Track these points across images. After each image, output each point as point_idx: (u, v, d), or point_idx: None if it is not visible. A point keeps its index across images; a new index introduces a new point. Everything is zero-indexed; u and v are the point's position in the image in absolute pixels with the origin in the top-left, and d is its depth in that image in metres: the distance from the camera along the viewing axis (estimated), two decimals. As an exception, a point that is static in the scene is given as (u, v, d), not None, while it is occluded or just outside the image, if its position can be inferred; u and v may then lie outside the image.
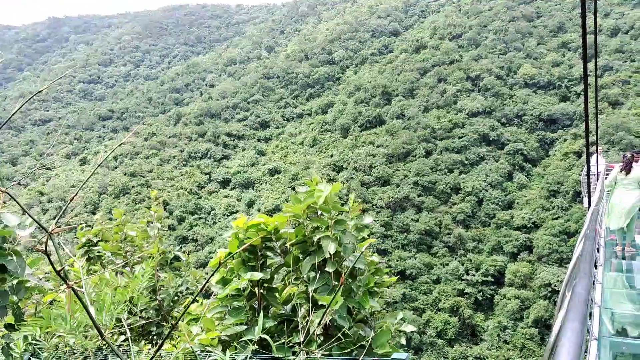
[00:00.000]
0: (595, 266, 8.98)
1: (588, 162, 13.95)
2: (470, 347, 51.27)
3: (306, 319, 3.74)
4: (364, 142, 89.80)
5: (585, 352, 5.66)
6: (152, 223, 5.72)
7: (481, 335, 53.54)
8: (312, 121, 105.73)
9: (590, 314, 6.46)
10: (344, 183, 76.86)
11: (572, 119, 79.45)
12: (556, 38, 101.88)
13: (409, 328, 4.15)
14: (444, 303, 56.07)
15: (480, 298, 57.65)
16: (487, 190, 71.80)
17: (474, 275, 59.57)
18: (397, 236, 67.24)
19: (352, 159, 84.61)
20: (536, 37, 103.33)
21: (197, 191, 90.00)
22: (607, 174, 14.96)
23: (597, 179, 18.36)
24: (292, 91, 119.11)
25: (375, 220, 68.58)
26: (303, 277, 3.87)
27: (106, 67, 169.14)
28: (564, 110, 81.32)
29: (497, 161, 77.09)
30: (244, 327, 3.69)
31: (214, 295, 4.01)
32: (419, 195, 73.27)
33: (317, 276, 3.79)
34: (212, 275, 1.78)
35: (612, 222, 11.30)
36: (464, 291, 58.25)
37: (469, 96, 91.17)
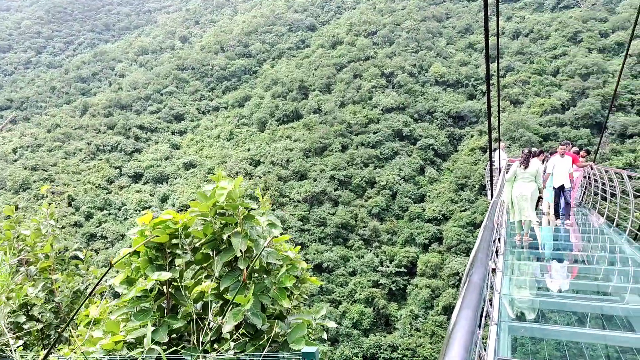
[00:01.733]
0: (497, 255, 9.45)
1: (491, 157, 14.71)
2: (384, 336, 52.82)
3: (218, 318, 3.56)
4: (281, 136, 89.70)
5: (485, 338, 5.86)
6: (46, 220, 5.24)
7: (394, 324, 55.32)
8: (229, 114, 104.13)
9: (491, 301, 6.75)
10: (260, 177, 76.49)
11: (478, 116, 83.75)
12: (464, 39, 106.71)
13: (331, 324, 4.11)
14: (360, 294, 57.34)
15: (394, 288, 59.51)
16: (400, 184, 74.05)
17: (388, 267, 61.34)
18: (314, 230, 67.85)
19: (269, 153, 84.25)
20: (446, 37, 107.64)
21: (107, 186, 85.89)
22: (508, 168, 15.84)
23: (500, 173, 19.25)
24: (208, 83, 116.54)
25: (292, 215, 68.78)
26: (215, 274, 3.69)
27: (4, 53, 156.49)
28: (471, 108, 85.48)
29: (410, 156, 79.64)
30: (152, 328, 3.44)
31: (105, 298, 3.73)
32: (335, 189, 74.30)
33: (229, 274, 3.63)
34: (105, 274, 1.58)
35: (515, 215, 11.94)
36: (379, 282, 59.87)
37: (383, 92, 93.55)
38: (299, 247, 4.47)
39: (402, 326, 53.76)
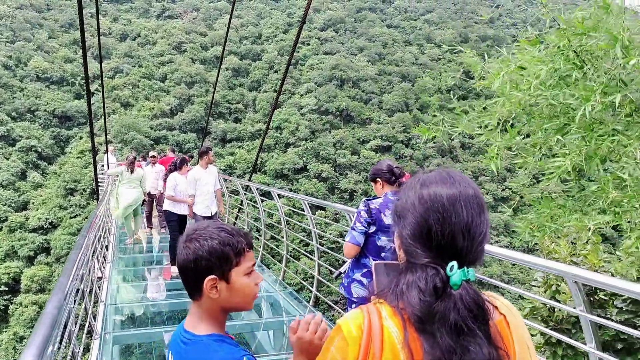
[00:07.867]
0: (105, 263, 9.27)
1: (95, 161, 14.63)
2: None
3: None
4: None
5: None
6: None
7: (-6, 352, 48.51)
8: None
9: (95, 314, 6.50)
10: None
11: (87, 117, 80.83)
12: (68, 34, 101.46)
13: None
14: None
15: (-8, 311, 52.11)
16: (-2, 191, 65.48)
17: (-17, 288, 53.27)
18: None
19: None
20: (47, 30, 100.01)
21: None
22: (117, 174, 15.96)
23: (109, 177, 19.15)
24: None
25: None
26: None
27: None
28: (78, 108, 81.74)
29: (8, 159, 70.94)
30: None
31: None
32: None
33: None
34: None
35: (119, 217, 12.17)
36: (-30, 308, 51.37)
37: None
38: None
39: (4, 353, 47.53)
